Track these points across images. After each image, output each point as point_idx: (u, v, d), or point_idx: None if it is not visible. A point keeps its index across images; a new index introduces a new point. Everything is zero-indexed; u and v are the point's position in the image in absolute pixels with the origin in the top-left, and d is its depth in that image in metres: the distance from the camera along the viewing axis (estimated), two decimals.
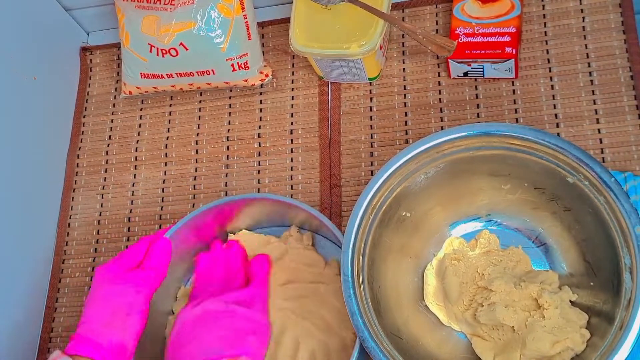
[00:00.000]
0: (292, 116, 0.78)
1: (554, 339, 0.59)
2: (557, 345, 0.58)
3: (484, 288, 0.64)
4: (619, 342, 0.52)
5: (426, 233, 0.68)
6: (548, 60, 0.72)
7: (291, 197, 0.75)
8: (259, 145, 0.78)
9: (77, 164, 0.84)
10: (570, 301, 0.61)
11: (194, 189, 0.78)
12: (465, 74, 0.72)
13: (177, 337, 0.60)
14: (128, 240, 0.78)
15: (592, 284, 0.61)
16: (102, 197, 0.82)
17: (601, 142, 0.67)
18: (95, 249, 0.79)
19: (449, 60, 0.70)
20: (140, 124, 0.84)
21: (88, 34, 0.91)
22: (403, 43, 0.78)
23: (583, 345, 0.58)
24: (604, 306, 0.58)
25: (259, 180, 0.76)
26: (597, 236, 0.59)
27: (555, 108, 0.70)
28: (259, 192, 0.76)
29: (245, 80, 0.78)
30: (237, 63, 0.76)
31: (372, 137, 0.75)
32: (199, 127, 0.81)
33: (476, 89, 0.73)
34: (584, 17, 0.72)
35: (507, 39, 0.68)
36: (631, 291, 0.53)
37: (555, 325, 0.59)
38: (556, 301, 0.60)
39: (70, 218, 0.82)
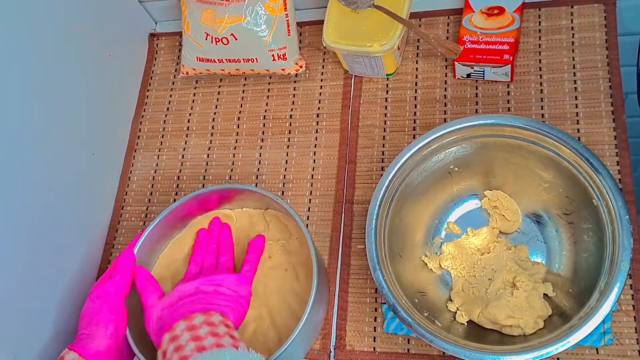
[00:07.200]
0: (319, 102, 0.83)
1: (510, 314, 0.63)
2: (509, 320, 0.63)
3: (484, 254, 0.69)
4: (557, 341, 0.55)
5: (456, 194, 0.71)
6: (540, 68, 0.76)
7: (313, 170, 0.79)
8: (290, 124, 0.83)
9: (139, 129, 0.90)
10: (547, 295, 0.64)
11: (233, 156, 0.84)
12: (468, 75, 0.77)
13: (158, 321, 0.61)
14: (176, 194, 0.84)
15: (570, 290, 0.64)
16: (158, 158, 0.87)
17: (579, 140, 0.69)
18: (149, 199, 0.85)
19: (455, 62, 0.75)
20: (193, 100, 0.89)
21: (156, 23, 0.97)
22: (418, 46, 0.82)
23: (532, 330, 0.62)
24: (569, 311, 0.61)
25: (287, 153, 0.81)
26: (593, 257, 0.62)
27: (542, 109, 0.75)
28: (286, 163, 0.81)
29: (283, 69, 0.83)
30: (277, 54, 0.81)
31: (385, 124, 0.80)
32: (241, 106, 0.86)
33: (476, 88, 0.78)
34: (573, 34, 0.77)
35: (505, 47, 0.72)
36: (591, 307, 0.56)
37: (517, 305, 0.63)
38: (529, 287, 0.64)
39: (130, 173, 0.87)
